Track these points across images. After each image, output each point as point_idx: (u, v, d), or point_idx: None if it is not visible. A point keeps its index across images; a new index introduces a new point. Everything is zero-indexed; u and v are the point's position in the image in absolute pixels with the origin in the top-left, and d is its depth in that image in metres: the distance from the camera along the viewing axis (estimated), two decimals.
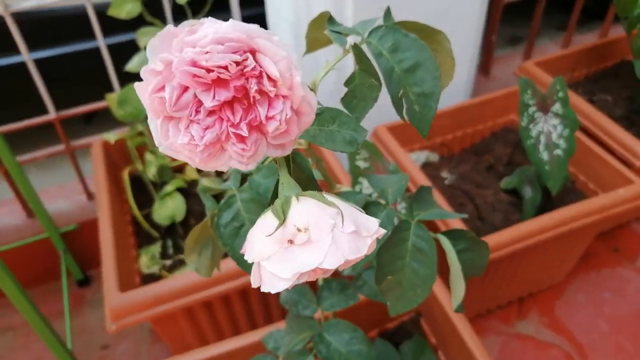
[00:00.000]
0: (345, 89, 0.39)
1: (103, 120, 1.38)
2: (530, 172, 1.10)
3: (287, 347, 0.57)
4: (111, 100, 1.15)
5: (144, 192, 1.13)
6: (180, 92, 0.25)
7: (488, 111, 1.26)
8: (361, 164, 0.92)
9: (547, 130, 1.01)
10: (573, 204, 0.96)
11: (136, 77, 0.96)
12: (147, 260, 1.03)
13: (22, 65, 1.10)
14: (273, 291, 0.27)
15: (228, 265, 0.85)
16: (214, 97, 0.25)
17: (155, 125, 0.27)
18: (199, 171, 1.15)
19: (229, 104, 0.25)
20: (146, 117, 1.15)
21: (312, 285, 0.60)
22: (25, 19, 1.19)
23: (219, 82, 0.25)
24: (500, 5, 1.39)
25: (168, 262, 1.02)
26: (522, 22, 1.88)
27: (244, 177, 0.47)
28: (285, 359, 0.58)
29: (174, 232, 1.07)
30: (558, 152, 1.00)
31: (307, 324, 0.59)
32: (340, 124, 0.34)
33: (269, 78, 0.25)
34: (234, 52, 0.25)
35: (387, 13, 0.40)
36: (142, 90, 0.25)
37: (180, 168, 1.16)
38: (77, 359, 0.94)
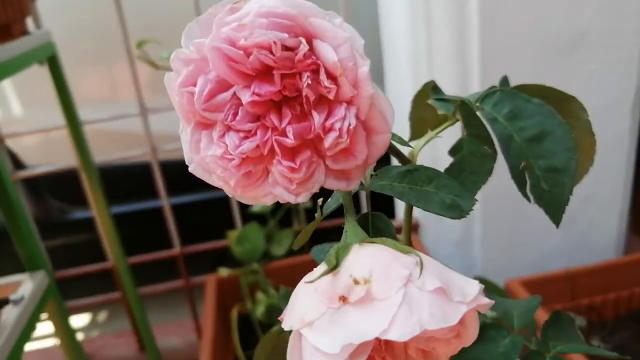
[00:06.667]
0: (448, 160, 0.32)
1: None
2: None
3: None
4: (231, 237, 1.17)
5: (252, 332, 1.07)
6: (215, 87, 0.20)
7: None
8: None
9: None
10: None
11: (257, 217, 0.96)
12: None
13: (158, 210, 1.18)
14: None
15: None
16: (253, 91, 0.19)
17: (185, 135, 0.22)
18: None
19: (277, 107, 0.20)
20: (262, 256, 1.15)
21: None
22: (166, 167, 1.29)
23: (263, 75, 0.20)
24: None
25: None
26: None
27: None
28: None
29: None
30: None
31: None
32: (438, 186, 0.27)
33: (328, 73, 0.20)
34: (282, 31, 0.20)
35: (504, 80, 0.34)
36: (171, 82, 0.21)
37: None
38: None
